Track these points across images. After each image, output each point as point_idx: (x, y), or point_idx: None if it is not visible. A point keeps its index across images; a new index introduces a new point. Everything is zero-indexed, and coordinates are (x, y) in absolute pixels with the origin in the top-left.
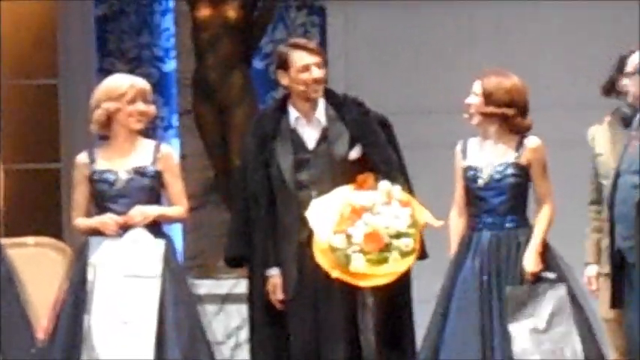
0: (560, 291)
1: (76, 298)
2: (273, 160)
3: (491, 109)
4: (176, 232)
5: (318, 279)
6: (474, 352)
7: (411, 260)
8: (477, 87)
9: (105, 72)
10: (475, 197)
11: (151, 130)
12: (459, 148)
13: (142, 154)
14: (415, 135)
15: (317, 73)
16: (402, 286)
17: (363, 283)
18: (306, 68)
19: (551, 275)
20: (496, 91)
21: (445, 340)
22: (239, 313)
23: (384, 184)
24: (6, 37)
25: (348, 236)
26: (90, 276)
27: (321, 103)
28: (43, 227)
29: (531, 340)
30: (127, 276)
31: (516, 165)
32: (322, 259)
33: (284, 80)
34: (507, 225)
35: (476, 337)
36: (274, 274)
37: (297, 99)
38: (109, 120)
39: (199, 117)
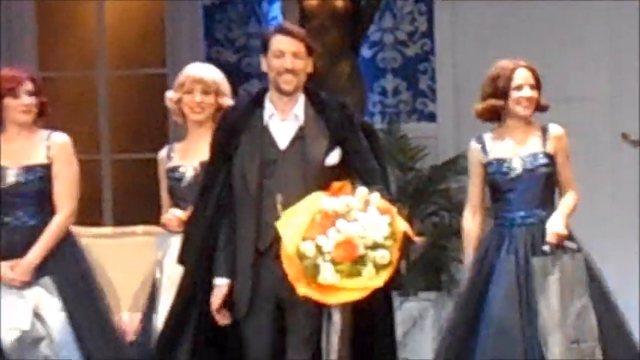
0: (581, 262)
1: (149, 296)
2: (237, 158)
3: (539, 98)
4: None
5: (278, 294)
6: (520, 350)
7: (386, 275)
8: (529, 77)
9: (212, 61)
10: (504, 191)
11: None
12: (475, 144)
13: (205, 149)
14: None
15: (290, 61)
16: (379, 302)
17: (332, 300)
18: (280, 54)
19: (572, 245)
20: (538, 78)
21: (483, 341)
22: None
23: (362, 190)
24: (113, 28)
25: (318, 245)
26: (157, 274)
27: (301, 100)
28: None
29: (555, 310)
30: None
31: (546, 154)
32: (289, 268)
33: (264, 66)
34: (541, 217)
35: (520, 337)
36: (220, 284)
37: (273, 91)
38: (181, 110)
39: None
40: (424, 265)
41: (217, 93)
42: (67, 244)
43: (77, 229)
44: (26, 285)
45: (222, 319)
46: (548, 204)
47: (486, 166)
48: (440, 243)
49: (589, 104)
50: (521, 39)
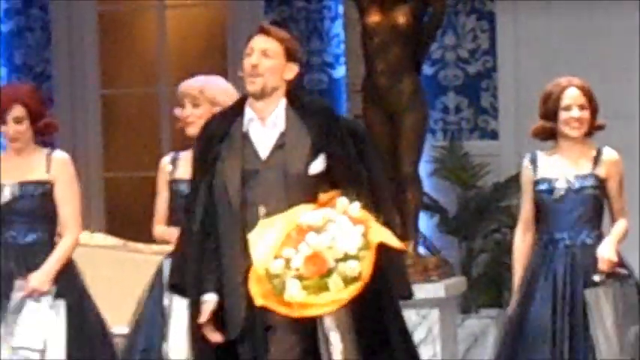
0: (633, 287)
1: (152, 319)
2: (218, 169)
3: (594, 120)
4: None
5: (271, 314)
6: None
7: (355, 288)
8: (579, 97)
9: None
10: (549, 211)
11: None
12: (527, 161)
13: None
14: None
15: (256, 58)
16: (384, 311)
17: (297, 314)
18: (250, 51)
19: (624, 271)
20: (595, 99)
21: None
22: (409, 318)
23: (342, 201)
24: (175, 44)
25: (287, 260)
26: (166, 301)
27: (282, 104)
28: None
29: (613, 340)
30: None
31: (595, 176)
32: (255, 288)
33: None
34: (584, 240)
35: None
36: (208, 300)
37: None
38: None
39: (369, 123)
40: (486, 282)
41: (212, 103)
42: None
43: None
44: (38, 299)
45: (213, 337)
46: (594, 227)
47: (535, 184)
48: (501, 260)
49: None
50: (584, 56)
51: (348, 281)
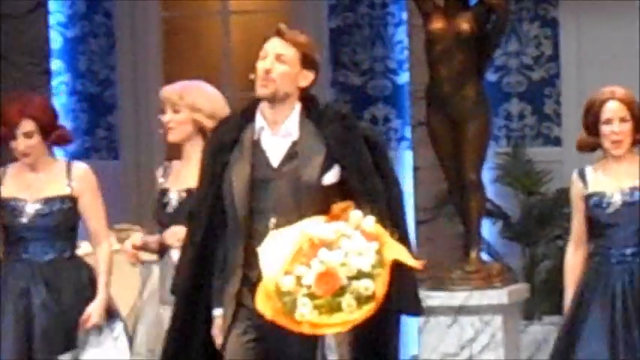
0: None
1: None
2: (226, 177)
3: (637, 132)
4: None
5: (274, 327)
6: None
7: (369, 308)
8: (620, 110)
9: (338, 84)
10: (603, 227)
11: (385, 142)
12: (575, 176)
13: (194, 172)
14: None
15: (270, 62)
16: (385, 330)
17: (307, 331)
18: (264, 54)
19: None
20: (636, 109)
21: None
22: (472, 324)
23: (356, 214)
24: (238, 50)
25: (298, 277)
26: (161, 308)
27: (295, 112)
28: None
29: None
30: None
31: None
32: (264, 305)
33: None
34: None
35: None
36: (218, 315)
37: (263, 101)
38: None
39: (433, 129)
40: (549, 289)
41: (192, 109)
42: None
43: None
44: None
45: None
46: None
47: (586, 199)
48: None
49: None
50: None
51: (361, 301)
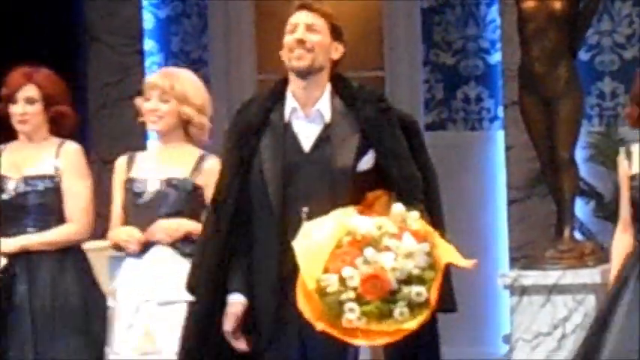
0: None
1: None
2: (255, 163)
3: None
4: (502, 223)
5: (304, 326)
6: None
7: (423, 316)
8: None
9: (430, 64)
10: None
11: (477, 121)
12: (622, 154)
13: (184, 162)
14: None
15: (302, 33)
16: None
17: (355, 342)
18: (293, 27)
19: None
20: None
21: None
22: (565, 304)
23: (398, 208)
24: None
25: (343, 277)
26: (110, 302)
27: (327, 92)
28: None
29: None
30: (148, 301)
31: None
32: (305, 306)
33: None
34: None
35: None
36: (234, 301)
37: (292, 80)
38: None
39: (525, 109)
40: None
41: (181, 101)
42: (76, 260)
43: None
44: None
45: (238, 344)
46: None
47: (631, 179)
48: None
49: None
50: None
51: (413, 308)
